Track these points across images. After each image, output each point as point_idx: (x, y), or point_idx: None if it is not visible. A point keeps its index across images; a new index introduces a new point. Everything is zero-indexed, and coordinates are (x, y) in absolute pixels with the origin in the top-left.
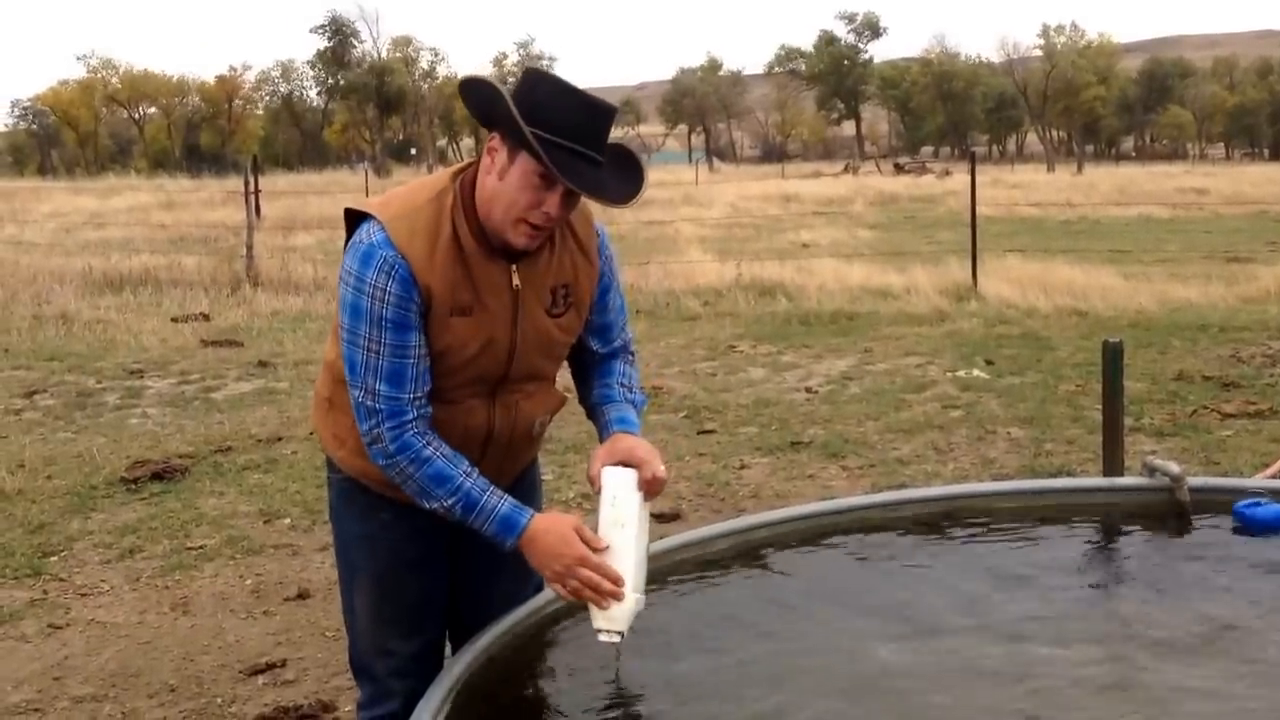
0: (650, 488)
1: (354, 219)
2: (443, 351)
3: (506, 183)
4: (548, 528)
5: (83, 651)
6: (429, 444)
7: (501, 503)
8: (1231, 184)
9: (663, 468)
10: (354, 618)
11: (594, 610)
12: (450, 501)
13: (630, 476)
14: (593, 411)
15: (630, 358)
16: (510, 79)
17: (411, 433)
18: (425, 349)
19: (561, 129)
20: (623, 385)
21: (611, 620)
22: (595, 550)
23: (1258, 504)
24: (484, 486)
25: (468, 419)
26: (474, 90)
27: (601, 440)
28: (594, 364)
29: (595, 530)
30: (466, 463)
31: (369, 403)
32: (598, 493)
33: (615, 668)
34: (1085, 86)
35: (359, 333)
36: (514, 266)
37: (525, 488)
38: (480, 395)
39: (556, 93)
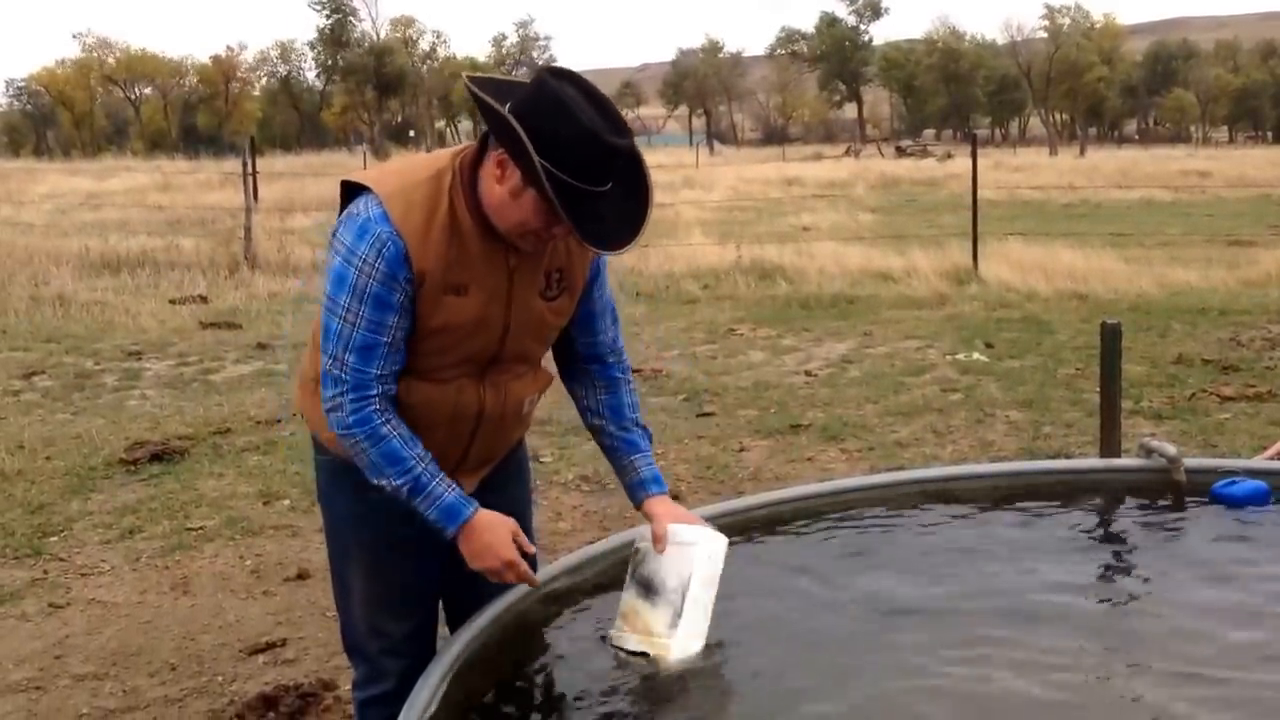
0: None
1: (349, 191)
2: (437, 329)
3: (520, 203)
4: (489, 525)
5: (83, 630)
6: (387, 422)
7: (449, 492)
8: (1234, 167)
9: None
10: (347, 598)
11: (652, 645)
12: (399, 481)
13: (723, 545)
14: (614, 450)
15: (630, 381)
16: (509, 60)
17: (372, 408)
18: (402, 331)
19: (579, 173)
20: (639, 426)
21: (665, 652)
22: (526, 554)
23: (1233, 483)
24: (435, 473)
25: (459, 398)
26: (489, 116)
27: (642, 493)
28: (593, 383)
29: (647, 582)
30: (421, 447)
31: (336, 371)
32: (658, 549)
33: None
34: (1089, 68)
35: (339, 301)
36: (509, 246)
37: (513, 467)
38: (471, 375)
39: (577, 138)
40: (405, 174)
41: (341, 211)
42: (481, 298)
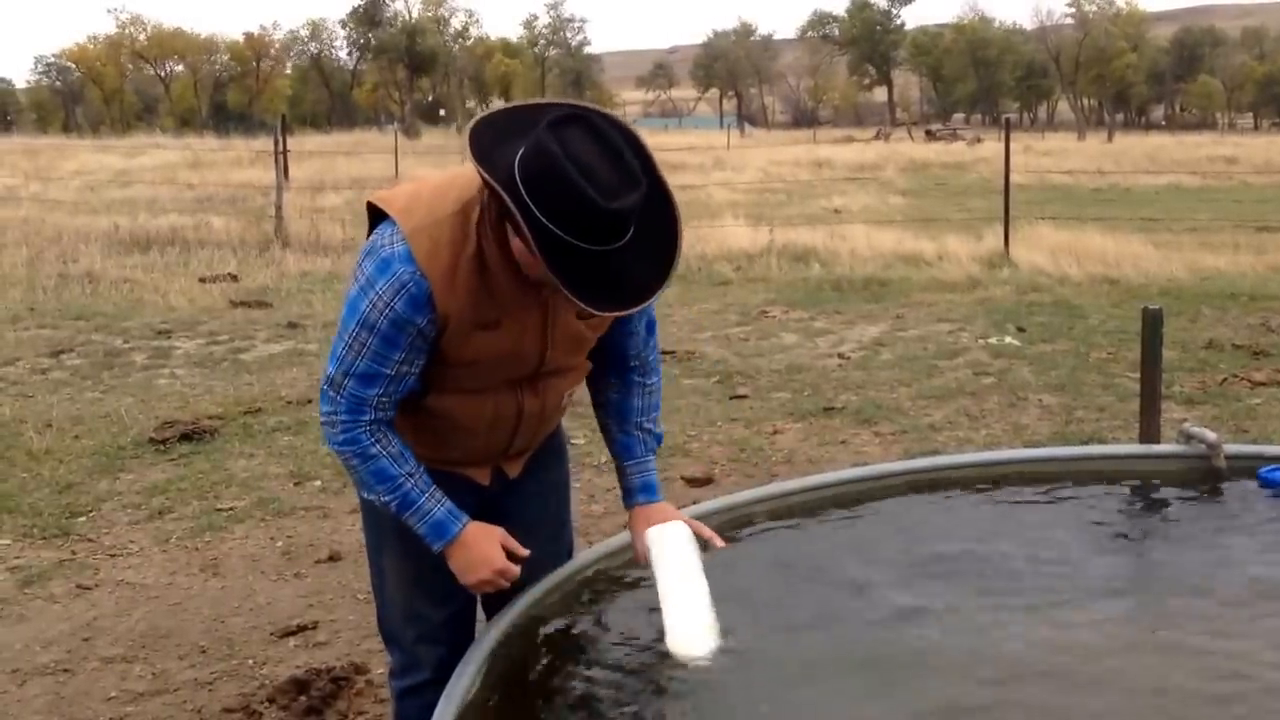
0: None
1: (376, 211)
2: (469, 361)
3: (537, 259)
4: (478, 539)
5: (112, 612)
6: (377, 442)
7: (438, 507)
8: (1260, 153)
9: (708, 531)
10: (383, 584)
11: (674, 645)
12: (387, 498)
13: (679, 530)
14: (613, 453)
15: (649, 385)
16: (540, 41)
17: (362, 430)
18: (408, 367)
19: (581, 234)
20: (642, 430)
21: (695, 652)
22: (517, 559)
23: (1278, 469)
24: (424, 488)
25: (498, 405)
26: (483, 179)
27: (627, 502)
28: (608, 381)
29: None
30: (413, 463)
31: (332, 393)
32: (645, 564)
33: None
34: (1118, 54)
35: (348, 327)
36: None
37: (552, 449)
38: (510, 385)
39: (569, 199)
40: (434, 205)
41: (369, 230)
42: (515, 331)
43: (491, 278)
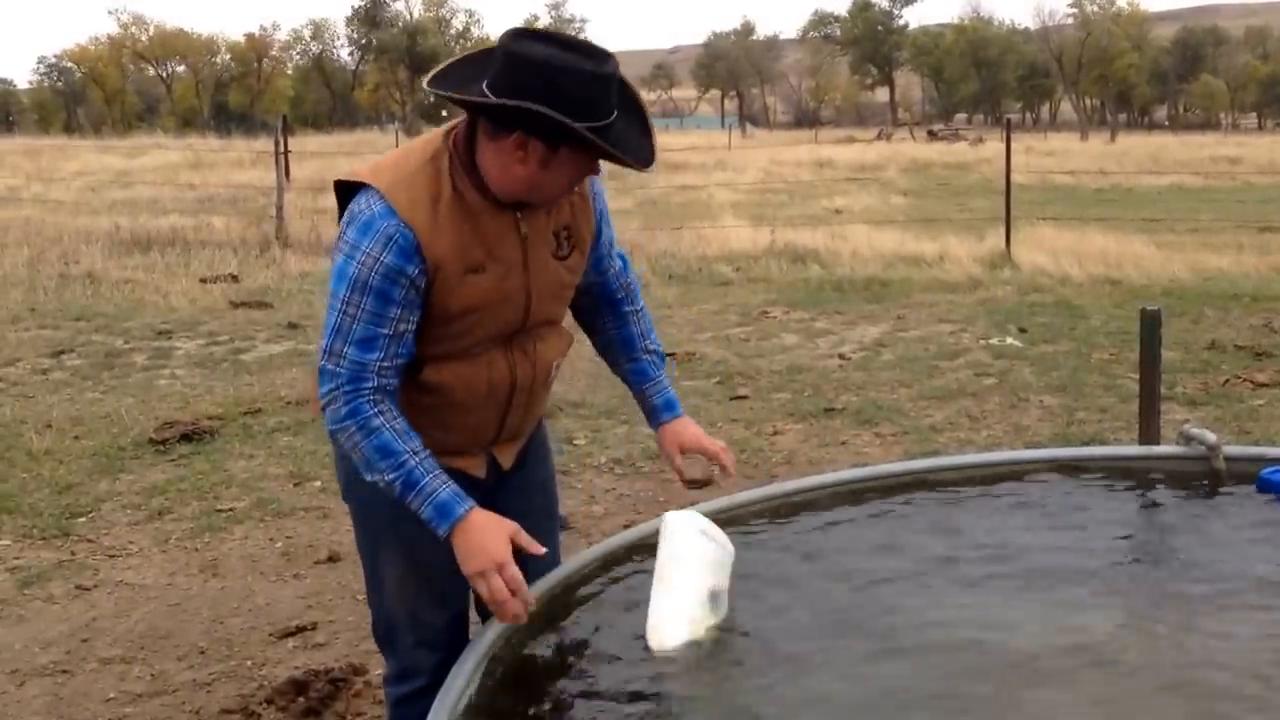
0: (724, 460)
1: (345, 190)
2: (462, 311)
3: (552, 171)
4: (485, 525)
5: (111, 613)
6: (381, 413)
7: (443, 488)
8: (1264, 153)
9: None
10: (380, 590)
11: (649, 633)
12: (391, 476)
13: (686, 521)
14: (627, 381)
15: (639, 310)
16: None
17: (365, 399)
18: (405, 325)
19: (595, 114)
20: (648, 353)
21: (661, 640)
22: (532, 555)
23: (1279, 470)
24: (430, 469)
25: (491, 372)
26: (490, 111)
27: (651, 419)
28: (605, 321)
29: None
30: (418, 442)
31: (331, 366)
32: (688, 484)
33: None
34: (1120, 54)
35: (339, 295)
36: (519, 214)
37: (538, 445)
38: (499, 346)
39: (579, 85)
40: (401, 165)
41: (340, 212)
42: (500, 271)
43: (472, 218)
